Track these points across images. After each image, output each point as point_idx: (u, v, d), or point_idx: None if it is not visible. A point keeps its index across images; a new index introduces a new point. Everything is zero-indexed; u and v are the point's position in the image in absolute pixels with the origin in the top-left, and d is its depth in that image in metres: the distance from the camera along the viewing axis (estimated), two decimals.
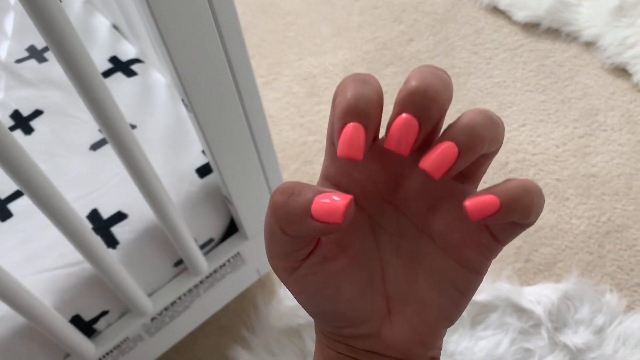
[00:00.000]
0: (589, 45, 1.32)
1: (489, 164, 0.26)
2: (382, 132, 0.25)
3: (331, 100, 1.20)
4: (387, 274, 0.28)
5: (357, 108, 0.23)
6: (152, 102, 0.83)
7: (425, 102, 0.22)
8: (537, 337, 0.96)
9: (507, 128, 1.22)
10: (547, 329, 0.96)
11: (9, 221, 0.74)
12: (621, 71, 1.26)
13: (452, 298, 0.27)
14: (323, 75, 1.37)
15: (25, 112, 0.83)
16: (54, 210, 0.57)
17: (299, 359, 0.98)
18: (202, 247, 0.80)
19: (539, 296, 0.99)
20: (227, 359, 1.00)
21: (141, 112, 0.81)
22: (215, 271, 0.83)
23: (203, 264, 0.79)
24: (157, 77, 0.86)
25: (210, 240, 0.81)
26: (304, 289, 0.27)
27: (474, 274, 0.27)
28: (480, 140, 0.23)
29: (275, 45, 1.45)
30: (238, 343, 1.01)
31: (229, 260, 0.83)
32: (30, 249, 0.71)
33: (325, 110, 1.30)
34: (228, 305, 1.02)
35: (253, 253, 0.87)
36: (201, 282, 0.82)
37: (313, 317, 0.29)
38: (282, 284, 1.04)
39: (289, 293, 1.04)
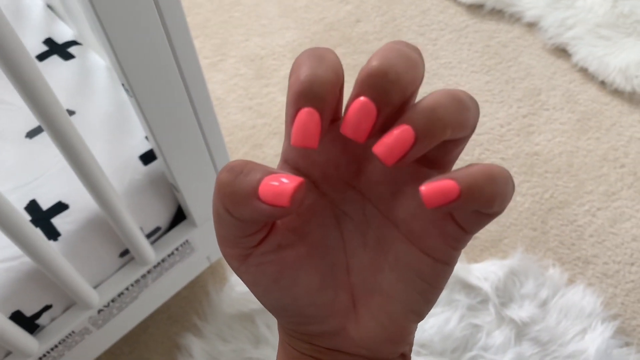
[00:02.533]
0: (532, 26, 1.34)
1: (461, 151, 0.24)
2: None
3: (279, 82, 1.18)
4: (352, 265, 0.26)
5: (311, 92, 0.20)
6: (92, 87, 0.79)
7: (386, 85, 0.20)
8: (484, 312, 0.98)
9: None
10: (494, 305, 0.99)
11: None
12: (562, 52, 1.30)
13: (420, 290, 0.25)
14: (271, 57, 1.35)
15: None
16: None
17: (252, 344, 0.98)
18: (148, 236, 0.78)
19: (486, 272, 1.01)
20: (178, 347, 0.99)
21: (80, 97, 0.78)
22: (163, 260, 0.81)
23: (150, 253, 0.77)
24: (96, 59, 0.83)
25: (157, 229, 0.79)
26: (258, 280, 0.25)
27: (441, 265, 0.24)
28: (442, 126, 0.20)
29: (220, 25, 1.41)
30: (189, 331, 1.00)
31: (177, 249, 0.81)
32: None
33: (274, 92, 1.28)
34: (179, 293, 1.00)
35: (202, 240, 0.85)
36: (149, 272, 0.80)
37: (272, 313, 0.27)
38: (232, 270, 1.03)
39: (239, 280, 1.02)
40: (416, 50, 0.21)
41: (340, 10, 1.42)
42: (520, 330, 0.97)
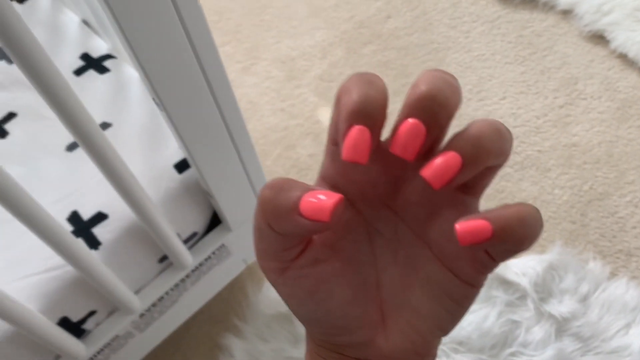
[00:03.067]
0: (566, 13, 1.31)
1: (494, 177, 0.25)
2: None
3: (310, 83, 1.19)
4: (382, 281, 0.28)
5: (364, 110, 0.22)
6: (127, 99, 0.82)
7: (435, 108, 0.22)
8: (523, 308, 0.97)
9: (487, 102, 1.23)
10: (533, 300, 0.97)
11: None
12: (599, 38, 1.26)
13: (447, 308, 0.26)
14: (301, 58, 1.36)
15: None
16: (28, 217, 0.57)
17: (291, 344, 0.99)
18: (186, 241, 0.80)
19: (524, 268, 1.00)
20: (220, 348, 1.01)
21: (116, 110, 0.81)
22: (201, 264, 0.83)
23: (188, 258, 0.79)
24: (130, 72, 0.85)
25: (194, 234, 0.81)
26: (294, 292, 0.26)
27: (469, 287, 0.26)
28: (486, 153, 0.22)
29: (251, 29, 1.43)
30: (230, 331, 1.02)
31: (214, 253, 0.84)
32: (11, 256, 0.71)
33: (306, 93, 1.29)
34: (219, 295, 1.02)
35: (238, 244, 0.87)
36: (187, 276, 0.82)
37: (304, 324, 0.28)
38: None
39: None
40: (454, 77, 0.23)
41: (370, 7, 1.42)
42: (561, 326, 0.95)
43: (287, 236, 0.24)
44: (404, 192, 0.26)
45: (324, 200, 0.22)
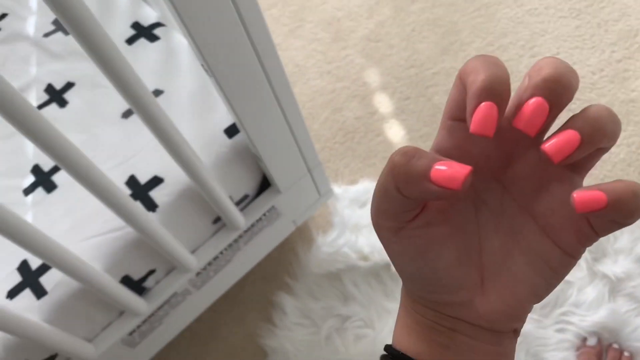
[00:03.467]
0: None
1: (600, 158, 0.27)
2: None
3: (357, 44, 1.18)
4: (484, 248, 0.30)
5: (493, 88, 0.24)
6: (177, 66, 0.84)
7: (559, 90, 0.24)
8: (576, 268, 0.96)
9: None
10: (586, 260, 0.96)
11: (54, 192, 0.78)
12: None
13: (545, 276, 0.28)
14: (347, 18, 1.34)
15: (58, 86, 0.86)
16: (91, 181, 0.60)
17: (340, 301, 1.02)
18: (238, 203, 0.83)
19: None
20: (272, 305, 1.05)
21: (167, 77, 0.83)
22: (252, 225, 0.86)
23: (240, 219, 0.82)
24: (179, 39, 0.87)
25: (246, 197, 0.84)
26: (406, 251, 0.28)
27: (569, 257, 0.28)
28: (603, 134, 0.24)
29: None
30: (282, 289, 1.06)
31: (264, 214, 0.86)
32: (76, 218, 0.75)
33: (352, 54, 1.28)
34: (270, 255, 1.06)
35: (287, 206, 0.89)
36: (240, 236, 0.85)
37: (406, 281, 0.31)
38: (319, 231, 1.07)
39: (327, 239, 1.07)
40: (572, 69, 0.25)
41: None
42: (615, 286, 0.94)
43: (411, 200, 0.26)
44: (515, 166, 0.28)
45: (457, 169, 0.24)
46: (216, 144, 0.77)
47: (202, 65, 0.62)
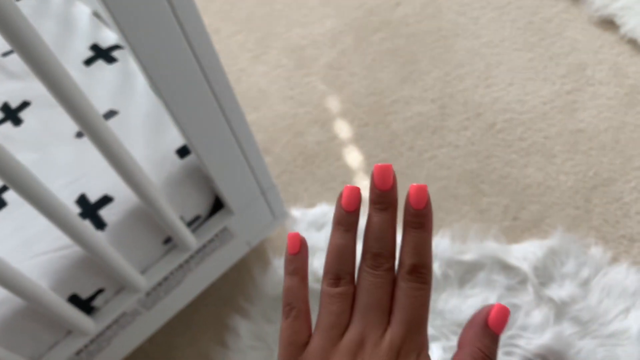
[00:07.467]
0: None
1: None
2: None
3: (319, 71, 1.20)
4: None
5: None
6: (133, 87, 0.85)
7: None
8: (523, 292, 0.99)
9: (495, 88, 1.23)
10: (533, 284, 0.98)
11: (4, 209, 0.78)
12: (609, 23, 1.25)
13: None
14: (311, 46, 1.38)
15: (13, 104, 0.87)
16: (38, 200, 0.61)
17: None
18: (190, 224, 0.84)
19: (525, 253, 1.01)
20: (227, 328, 1.05)
21: (123, 98, 0.84)
22: (204, 246, 0.86)
23: (191, 240, 0.83)
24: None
25: (197, 217, 0.85)
26: None
27: None
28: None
29: (263, 18, 1.45)
30: (237, 312, 1.06)
31: (217, 235, 0.87)
32: (25, 235, 0.75)
33: (314, 81, 1.31)
34: (227, 276, 1.06)
35: (241, 227, 0.90)
36: (191, 257, 0.86)
37: None
38: (275, 254, 1.08)
39: (283, 262, 1.07)
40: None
41: None
42: (560, 310, 0.96)
43: None
44: None
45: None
46: (167, 164, 0.78)
47: (150, 86, 0.64)
